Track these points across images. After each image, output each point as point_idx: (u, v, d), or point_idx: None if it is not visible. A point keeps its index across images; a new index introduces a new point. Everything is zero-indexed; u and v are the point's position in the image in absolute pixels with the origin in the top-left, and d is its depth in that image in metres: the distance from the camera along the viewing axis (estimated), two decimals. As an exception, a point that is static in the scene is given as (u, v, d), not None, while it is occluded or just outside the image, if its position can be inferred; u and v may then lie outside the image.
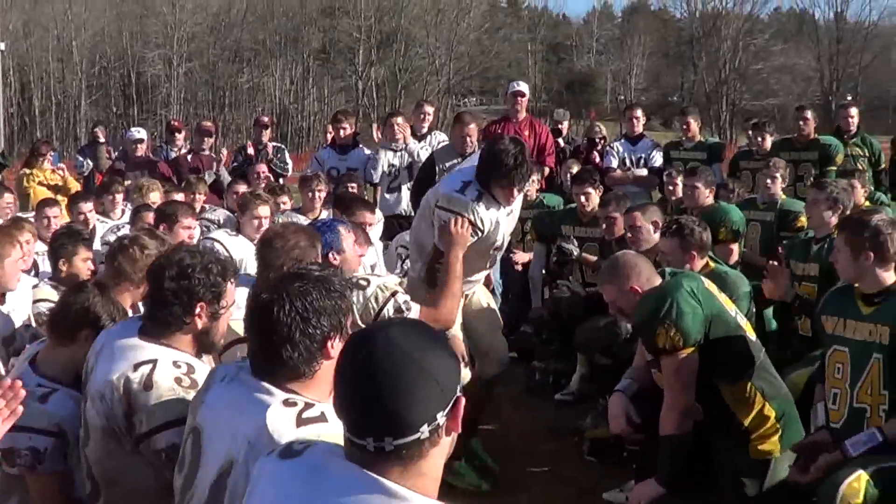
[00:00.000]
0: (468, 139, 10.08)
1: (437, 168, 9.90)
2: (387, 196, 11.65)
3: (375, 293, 5.27)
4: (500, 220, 6.28)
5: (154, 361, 3.90)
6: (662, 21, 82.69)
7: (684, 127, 12.37)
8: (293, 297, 3.20)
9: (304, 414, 3.10)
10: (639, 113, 12.80)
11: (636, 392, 5.86)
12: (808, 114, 11.59)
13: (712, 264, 6.87)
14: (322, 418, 3.06)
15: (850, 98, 69.57)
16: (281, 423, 3.07)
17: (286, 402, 3.14)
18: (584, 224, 9.56)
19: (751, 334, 5.63)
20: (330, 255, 5.61)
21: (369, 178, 11.73)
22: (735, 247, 8.64)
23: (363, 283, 5.33)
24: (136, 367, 3.88)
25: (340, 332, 3.25)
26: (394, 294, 5.30)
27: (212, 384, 3.44)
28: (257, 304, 3.28)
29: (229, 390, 3.32)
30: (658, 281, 5.59)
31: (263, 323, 3.23)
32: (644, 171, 12.06)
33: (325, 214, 9.50)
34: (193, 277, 3.99)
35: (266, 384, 3.21)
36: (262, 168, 12.20)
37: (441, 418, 2.35)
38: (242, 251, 7.80)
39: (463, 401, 2.41)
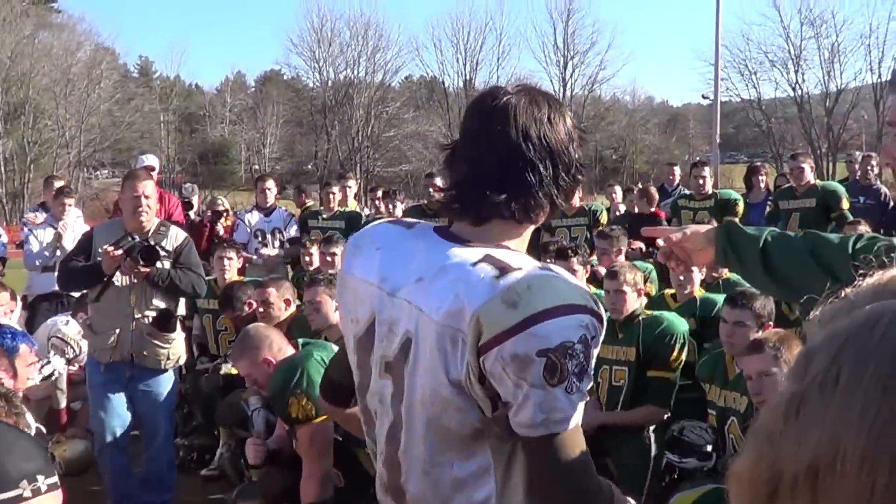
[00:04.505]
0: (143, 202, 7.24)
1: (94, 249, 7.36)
2: (42, 275, 11.15)
3: None
4: None
5: None
6: (296, 90, 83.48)
7: (329, 195, 12.44)
8: None
9: None
10: (270, 184, 12.51)
11: (278, 458, 5.95)
12: (438, 181, 11.86)
13: None
14: None
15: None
16: None
17: None
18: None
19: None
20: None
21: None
22: None
23: None
24: None
25: None
26: None
27: None
28: None
29: None
30: (290, 351, 5.67)
31: None
32: (273, 251, 11.93)
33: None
34: None
35: None
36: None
37: None
38: None
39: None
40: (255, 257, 11.65)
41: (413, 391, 2.38)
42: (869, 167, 12.64)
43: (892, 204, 11.85)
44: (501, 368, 2.23)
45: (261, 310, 7.90)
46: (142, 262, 6.99)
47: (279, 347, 5.68)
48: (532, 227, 2.55)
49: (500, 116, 2.42)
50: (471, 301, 2.26)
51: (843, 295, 0.90)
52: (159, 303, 7.27)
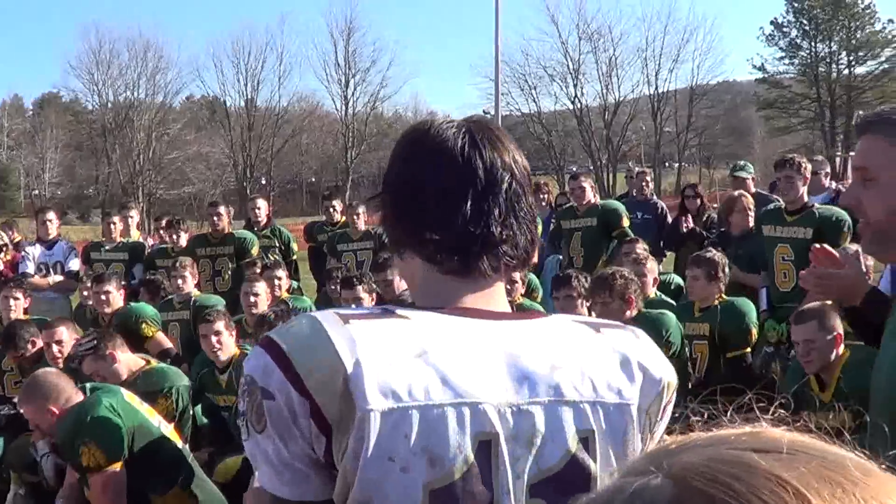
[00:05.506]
0: None
1: None
2: None
3: None
4: None
5: None
6: (74, 113, 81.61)
7: (111, 226, 12.08)
8: None
9: None
10: (51, 216, 12.15)
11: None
12: (221, 209, 11.71)
13: (153, 363, 7.11)
14: None
15: (263, 182, 72.15)
16: None
17: None
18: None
19: (178, 441, 5.75)
20: None
21: None
22: (161, 338, 8.98)
23: None
24: None
25: None
26: None
27: None
28: None
29: None
30: (79, 398, 5.59)
31: None
32: (60, 277, 11.62)
33: None
34: None
35: None
36: None
37: None
38: None
39: None
40: (46, 285, 11.34)
41: None
42: (644, 182, 12.98)
43: (669, 218, 12.18)
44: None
45: (55, 349, 7.74)
46: None
47: (67, 398, 5.58)
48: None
49: (487, 142, 1.95)
50: (658, 370, 1.96)
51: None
52: None
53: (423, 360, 1.74)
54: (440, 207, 1.89)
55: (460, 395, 1.74)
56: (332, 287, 9.91)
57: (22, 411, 5.88)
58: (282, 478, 1.79)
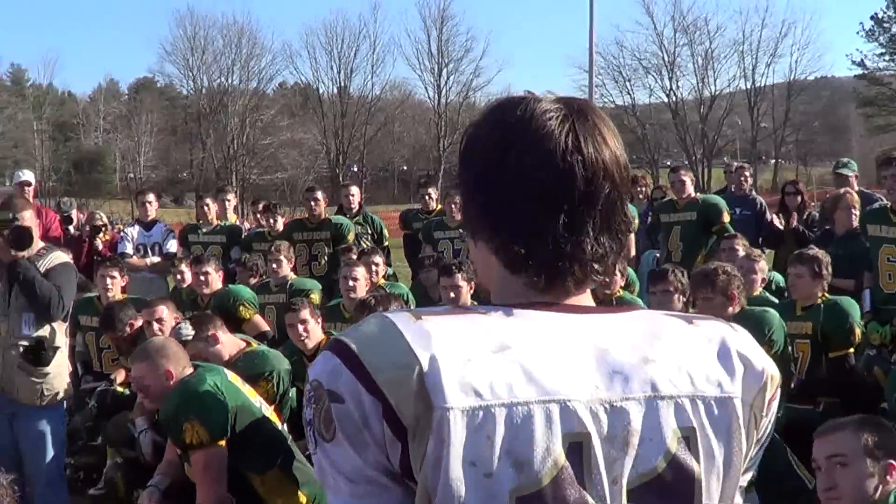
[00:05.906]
0: None
1: None
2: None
3: None
4: None
5: None
6: (169, 98, 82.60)
7: (205, 209, 12.25)
8: None
9: None
10: (150, 198, 12.36)
11: (168, 487, 5.89)
12: (319, 195, 11.77)
13: (254, 344, 7.30)
14: None
15: (355, 169, 72.38)
16: None
17: None
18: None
19: (278, 423, 5.79)
20: None
21: None
22: (258, 321, 9.08)
23: None
24: None
25: None
26: None
27: None
28: None
29: None
30: (190, 371, 5.67)
31: None
32: (158, 258, 11.77)
33: None
34: None
35: None
36: None
37: None
38: None
39: None
40: (143, 265, 11.52)
41: (710, 494, 1.72)
42: (742, 178, 12.68)
43: (768, 215, 11.92)
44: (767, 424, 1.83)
45: (155, 327, 7.79)
46: (13, 245, 6.44)
47: (184, 367, 5.67)
48: None
49: (591, 142, 1.75)
50: (759, 361, 1.77)
51: None
52: (29, 332, 6.64)
53: (504, 355, 1.59)
54: (531, 217, 1.69)
55: (547, 392, 1.58)
56: (426, 275, 9.91)
57: (132, 370, 5.95)
58: (355, 491, 1.60)
